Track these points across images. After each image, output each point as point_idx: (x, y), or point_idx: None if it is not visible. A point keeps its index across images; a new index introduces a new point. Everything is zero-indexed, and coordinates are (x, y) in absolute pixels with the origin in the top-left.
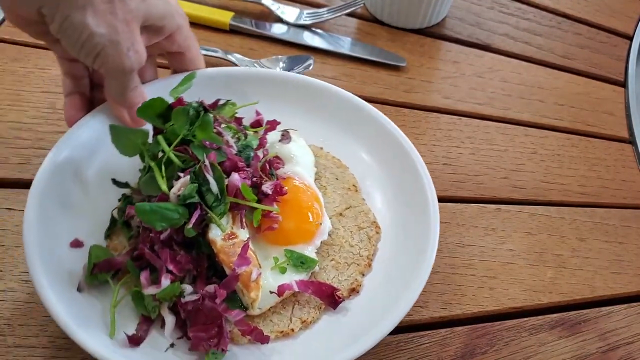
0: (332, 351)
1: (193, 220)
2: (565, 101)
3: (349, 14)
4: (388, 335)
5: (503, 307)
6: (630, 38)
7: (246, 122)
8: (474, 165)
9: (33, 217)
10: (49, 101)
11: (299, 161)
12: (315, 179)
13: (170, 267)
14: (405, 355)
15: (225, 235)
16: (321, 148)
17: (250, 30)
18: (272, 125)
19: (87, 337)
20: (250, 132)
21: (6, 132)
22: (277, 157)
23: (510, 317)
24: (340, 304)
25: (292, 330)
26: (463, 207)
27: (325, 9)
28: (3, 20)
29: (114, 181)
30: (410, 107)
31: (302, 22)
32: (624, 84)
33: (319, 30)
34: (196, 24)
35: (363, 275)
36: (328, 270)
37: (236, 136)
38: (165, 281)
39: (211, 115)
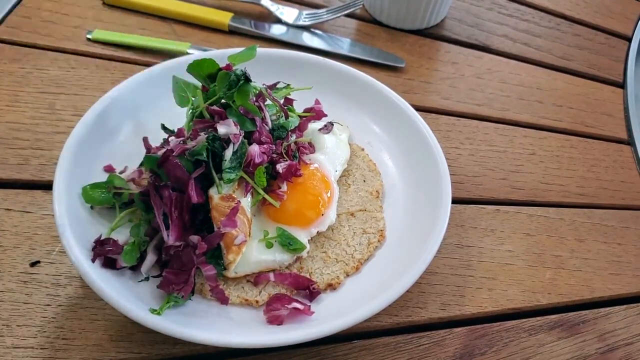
0: (276, 332)
1: (194, 175)
2: (564, 102)
3: (348, 15)
4: (387, 335)
5: (502, 308)
6: (629, 39)
7: (303, 106)
8: (472, 166)
9: (74, 142)
10: (47, 102)
11: (329, 153)
12: (343, 175)
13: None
14: (404, 355)
15: (224, 196)
16: (362, 149)
17: (250, 31)
18: (318, 115)
19: (76, 246)
20: (293, 115)
21: (5, 132)
22: (310, 143)
23: (509, 318)
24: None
25: (257, 301)
26: (462, 208)
27: (324, 9)
28: (2, 20)
29: (163, 126)
30: None
31: (301, 22)
32: (622, 85)
33: (318, 31)
34: (195, 24)
35: (347, 275)
36: (316, 260)
37: (277, 115)
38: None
39: (251, 85)
